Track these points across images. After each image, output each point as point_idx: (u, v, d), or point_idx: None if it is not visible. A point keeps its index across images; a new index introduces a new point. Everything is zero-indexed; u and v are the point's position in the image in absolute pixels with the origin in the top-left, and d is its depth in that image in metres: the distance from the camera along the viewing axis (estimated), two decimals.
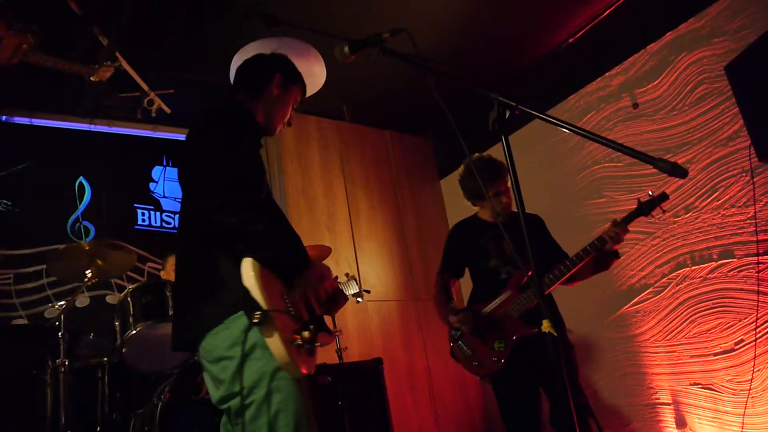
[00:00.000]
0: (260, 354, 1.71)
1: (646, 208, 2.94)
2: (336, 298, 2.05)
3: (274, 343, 1.67)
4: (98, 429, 3.45)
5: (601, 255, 2.97)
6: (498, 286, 3.08)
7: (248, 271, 1.72)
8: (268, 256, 1.77)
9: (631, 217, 2.95)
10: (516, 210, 3.15)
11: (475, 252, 3.22)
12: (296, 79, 2.32)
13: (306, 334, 1.74)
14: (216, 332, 1.76)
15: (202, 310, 1.81)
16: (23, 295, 4.40)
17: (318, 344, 1.81)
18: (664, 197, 2.94)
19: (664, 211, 2.95)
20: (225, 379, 1.75)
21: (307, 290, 1.86)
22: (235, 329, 1.72)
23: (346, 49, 1.81)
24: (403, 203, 5.92)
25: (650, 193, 2.96)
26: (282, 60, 2.35)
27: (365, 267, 5.30)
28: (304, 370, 1.74)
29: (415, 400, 5.11)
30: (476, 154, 3.33)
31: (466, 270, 3.37)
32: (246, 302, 1.69)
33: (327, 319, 4.26)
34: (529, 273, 3.00)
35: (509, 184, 3.14)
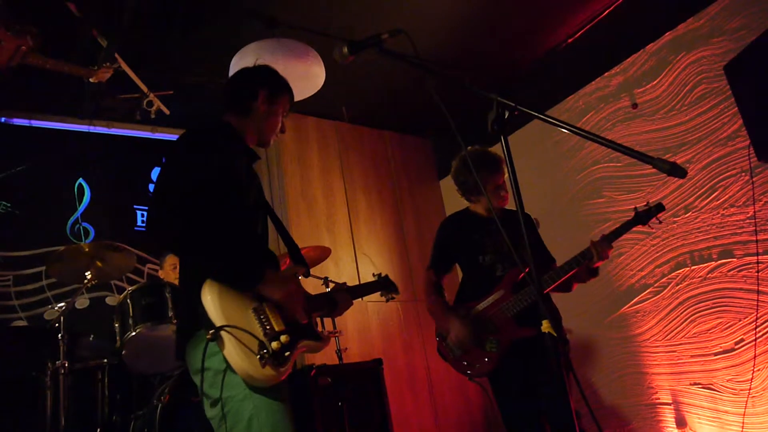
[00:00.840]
0: (224, 367, 1.80)
1: (643, 217, 2.93)
2: (333, 302, 2.08)
3: (230, 357, 1.75)
4: (98, 430, 3.45)
5: (585, 269, 2.91)
6: (492, 283, 2.97)
7: (206, 291, 1.81)
8: (222, 276, 1.84)
9: (627, 226, 2.92)
10: (508, 207, 3.17)
11: (470, 247, 3.10)
12: (282, 89, 2.29)
13: (275, 344, 1.80)
14: (193, 343, 1.89)
15: (183, 320, 1.95)
16: (23, 296, 4.40)
17: (297, 351, 1.90)
18: (660, 208, 2.93)
19: (660, 221, 2.93)
20: (205, 389, 1.86)
21: (280, 300, 1.91)
22: (201, 343, 1.81)
23: (345, 50, 1.81)
24: (403, 204, 5.91)
25: (648, 202, 2.95)
26: (264, 73, 2.30)
27: (365, 268, 5.29)
28: (272, 380, 1.79)
29: (415, 400, 5.11)
30: (470, 147, 3.20)
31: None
32: (204, 320, 1.78)
33: (328, 321, 4.25)
34: (527, 270, 2.99)
35: (506, 177, 3.04)
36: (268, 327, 1.84)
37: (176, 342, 2.01)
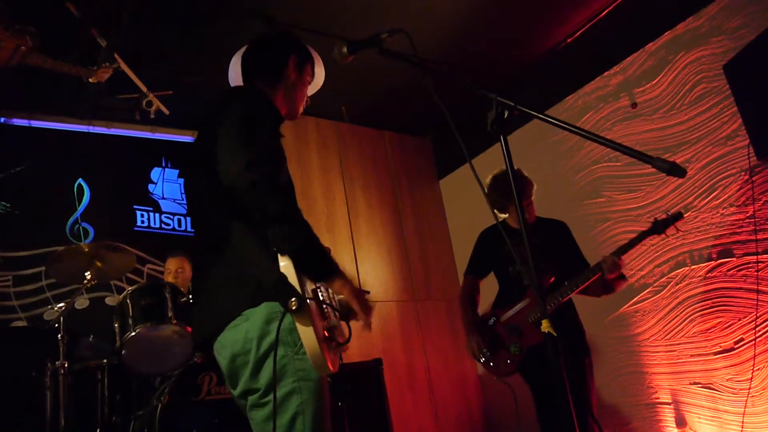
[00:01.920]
0: (282, 351, 1.59)
1: (660, 227, 3.01)
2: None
3: (308, 334, 1.53)
4: (98, 431, 3.45)
5: (604, 281, 3.07)
6: (521, 292, 3.20)
7: (285, 257, 1.58)
8: (301, 253, 1.61)
9: (643, 236, 3.02)
10: (542, 216, 3.30)
11: (502, 257, 3.32)
12: (309, 57, 2.18)
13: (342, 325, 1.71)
14: (235, 324, 1.65)
15: (223, 300, 1.70)
16: (22, 297, 4.40)
17: (335, 342, 1.72)
18: (678, 217, 3.02)
19: (678, 230, 3.03)
20: (244, 375, 1.65)
21: (354, 293, 1.70)
22: (256, 321, 1.61)
23: (345, 49, 1.81)
24: (402, 204, 5.92)
25: (668, 212, 3.05)
26: (292, 39, 2.17)
27: (364, 267, 5.30)
28: (331, 367, 1.61)
29: (415, 400, 5.11)
30: (497, 170, 3.34)
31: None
32: (277, 290, 1.54)
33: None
34: (552, 279, 3.11)
35: (533, 198, 3.30)
36: (333, 309, 1.71)
37: (201, 327, 1.79)
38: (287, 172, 1.95)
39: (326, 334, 1.62)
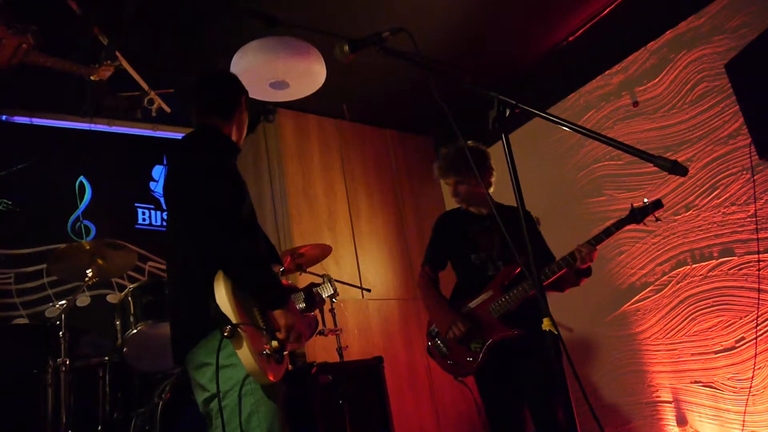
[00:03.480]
0: (235, 361, 1.86)
1: (638, 215, 2.83)
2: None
3: (243, 354, 1.81)
4: (99, 428, 3.45)
5: (575, 271, 2.88)
6: (484, 283, 2.97)
7: (219, 289, 1.87)
8: (249, 286, 1.94)
9: (620, 224, 2.84)
10: (507, 204, 3.15)
11: (462, 244, 3.08)
12: (246, 93, 2.46)
13: (275, 343, 1.88)
14: (202, 343, 1.96)
15: (191, 322, 2.01)
16: (24, 294, 4.41)
17: (287, 352, 1.96)
18: (658, 204, 2.83)
19: (657, 219, 2.84)
20: (204, 383, 1.95)
21: (285, 327, 1.93)
22: (214, 340, 1.85)
23: (346, 48, 1.81)
24: (404, 202, 5.92)
25: (645, 200, 2.86)
26: (238, 81, 2.47)
27: (366, 266, 5.30)
28: (271, 378, 1.86)
29: (416, 398, 5.11)
30: (470, 142, 3.13)
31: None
32: (219, 317, 1.84)
33: (329, 319, 4.24)
34: (518, 269, 2.97)
35: (454, 180, 3.08)
36: (267, 326, 1.92)
37: (176, 345, 2.07)
38: (249, 203, 2.20)
39: (267, 349, 1.87)
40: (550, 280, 2.85)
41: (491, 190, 3.08)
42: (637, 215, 2.85)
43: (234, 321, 1.80)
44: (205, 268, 1.94)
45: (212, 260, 1.92)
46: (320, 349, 4.37)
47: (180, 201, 2.03)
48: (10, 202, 4.54)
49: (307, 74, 3.92)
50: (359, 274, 5.17)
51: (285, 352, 1.93)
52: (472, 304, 2.95)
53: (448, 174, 3.09)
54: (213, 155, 2.08)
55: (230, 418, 1.86)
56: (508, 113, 1.57)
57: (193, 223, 1.93)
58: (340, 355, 4.07)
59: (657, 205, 2.84)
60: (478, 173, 3.02)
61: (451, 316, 2.94)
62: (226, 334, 1.77)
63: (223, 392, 1.87)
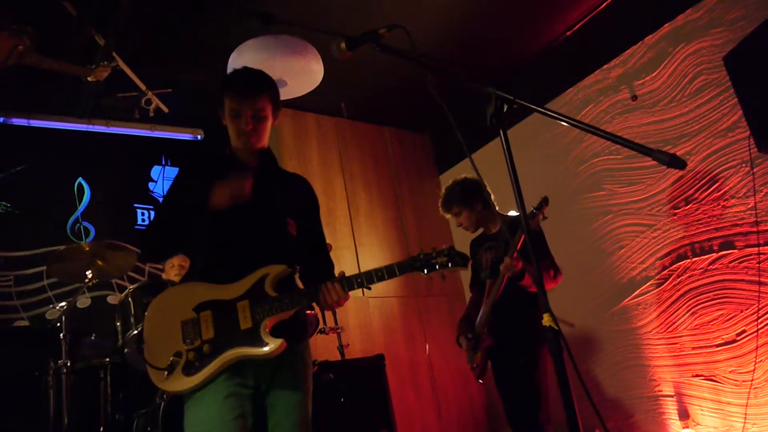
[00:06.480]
0: None
1: (529, 217, 2.88)
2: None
3: (149, 370, 1.93)
4: (101, 429, 3.45)
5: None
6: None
7: (150, 307, 2.02)
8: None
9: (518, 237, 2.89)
10: (512, 213, 3.26)
11: (476, 266, 3.37)
12: (222, 90, 2.14)
13: (191, 354, 1.89)
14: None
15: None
16: (24, 296, 4.40)
17: (223, 360, 1.87)
18: (544, 202, 2.93)
19: (545, 218, 2.94)
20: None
21: (220, 197, 2.00)
22: None
23: (343, 45, 1.80)
24: (402, 199, 5.91)
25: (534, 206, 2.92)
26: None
27: (365, 263, 5.30)
28: (178, 387, 1.88)
29: (418, 395, 5.11)
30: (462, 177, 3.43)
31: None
32: None
33: (330, 317, 4.22)
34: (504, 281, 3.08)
35: (452, 214, 3.37)
36: (189, 337, 1.89)
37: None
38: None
39: (172, 361, 1.92)
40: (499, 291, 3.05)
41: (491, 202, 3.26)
42: (529, 217, 2.87)
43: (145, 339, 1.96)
44: None
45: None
46: (321, 348, 4.37)
47: None
48: (9, 204, 4.53)
49: (304, 72, 3.91)
50: (359, 271, 5.16)
51: (199, 363, 1.87)
52: (479, 318, 3.21)
53: (445, 211, 3.42)
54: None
55: None
56: (506, 109, 1.56)
57: None
58: (342, 354, 4.07)
59: (543, 203, 2.93)
60: (469, 203, 3.30)
61: (457, 334, 3.32)
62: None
63: None
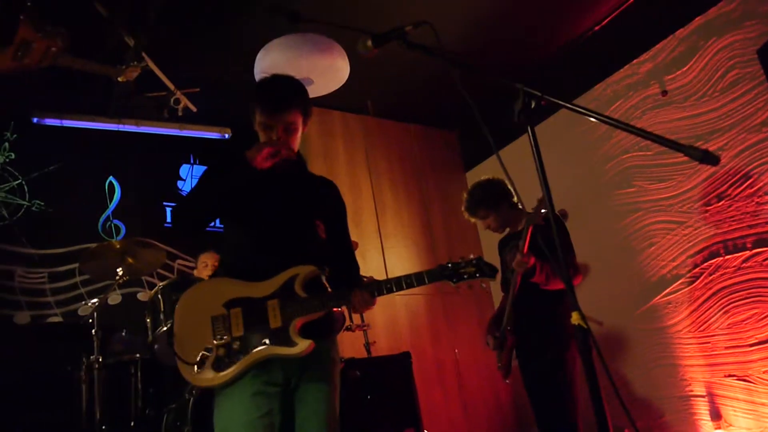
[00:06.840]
0: None
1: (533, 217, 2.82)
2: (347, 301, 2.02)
3: (179, 365, 1.94)
4: (132, 424, 3.51)
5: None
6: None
7: (180, 303, 2.03)
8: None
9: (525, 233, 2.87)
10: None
11: (503, 264, 3.32)
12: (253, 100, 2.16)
13: (221, 350, 1.91)
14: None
15: None
16: (58, 293, 4.49)
17: (251, 357, 1.89)
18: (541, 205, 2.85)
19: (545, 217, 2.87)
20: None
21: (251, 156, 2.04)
22: None
23: (369, 43, 1.80)
24: (429, 197, 5.90)
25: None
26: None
27: (392, 261, 5.30)
28: (208, 383, 1.89)
29: (444, 393, 5.10)
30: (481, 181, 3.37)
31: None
32: None
33: (354, 314, 4.25)
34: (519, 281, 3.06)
35: (479, 218, 3.32)
36: (220, 333, 1.92)
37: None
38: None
39: (203, 355, 1.94)
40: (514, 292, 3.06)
41: (516, 200, 3.26)
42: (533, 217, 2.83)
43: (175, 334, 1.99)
44: None
45: None
46: (348, 345, 4.38)
47: None
48: (43, 203, 4.63)
49: (330, 70, 3.92)
50: (385, 270, 5.17)
51: (229, 360, 1.89)
52: (504, 319, 3.18)
53: (471, 216, 3.35)
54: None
55: None
56: (533, 105, 1.55)
57: None
58: (368, 351, 4.08)
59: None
60: (495, 205, 3.25)
61: (486, 333, 3.33)
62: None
63: None
